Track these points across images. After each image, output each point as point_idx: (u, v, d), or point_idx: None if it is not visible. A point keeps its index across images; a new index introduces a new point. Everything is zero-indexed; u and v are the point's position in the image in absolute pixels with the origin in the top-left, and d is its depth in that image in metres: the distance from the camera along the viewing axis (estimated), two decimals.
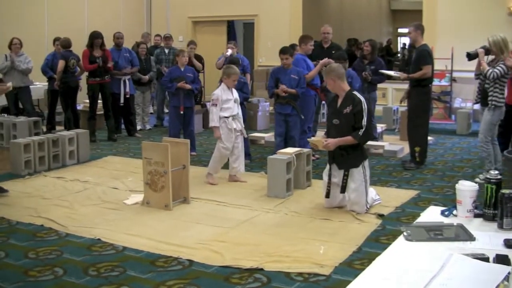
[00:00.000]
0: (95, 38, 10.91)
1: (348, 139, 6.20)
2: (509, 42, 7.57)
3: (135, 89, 12.00)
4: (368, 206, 6.30)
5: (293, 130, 8.58)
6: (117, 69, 11.39)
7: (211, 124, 7.79)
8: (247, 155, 8.95)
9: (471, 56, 7.79)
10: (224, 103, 7.78)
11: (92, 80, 11.05)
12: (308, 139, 6.74)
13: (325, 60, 8.78)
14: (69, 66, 11.03)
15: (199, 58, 12.78)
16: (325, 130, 6.71)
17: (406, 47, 20.25)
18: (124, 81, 11.48)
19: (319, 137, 6.49)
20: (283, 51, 8.56)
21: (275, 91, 8.55)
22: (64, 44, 11.20)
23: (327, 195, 6.47)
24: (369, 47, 10.35)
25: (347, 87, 6.39)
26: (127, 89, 11.53)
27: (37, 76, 12.31)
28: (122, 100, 11.48)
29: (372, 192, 6.63)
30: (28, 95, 11.37)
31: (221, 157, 7.86)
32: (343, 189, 6.31)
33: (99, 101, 11.32)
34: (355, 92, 6.35)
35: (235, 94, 7.99)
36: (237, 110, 7.93)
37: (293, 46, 9.31)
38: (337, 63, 7.25)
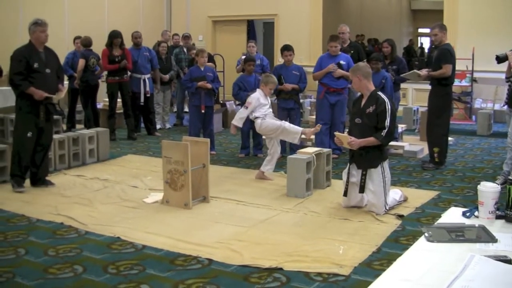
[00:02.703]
0: (114, 38, 10.96)
1: (371, 140, 6.17)
2: None
3: (155, 88, 12.04)
4: (387, 208, 6.25)
5: (294, 123, 9.02)
6: (137, 68, 11.43)
7: (233, 122, 8.03)
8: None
9: (500, 59, 7.68)
10: (259, 107, 7.93)
11: (111, 79, 11.10)
12: (335, 133, 6.79)
13: (331, 66, 9.15)
14: (89, 65, 11.09)
15: (211, 58, 12.84)
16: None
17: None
18: (144, 80, 11.52)
19: (345, 134, 6.48)
20: (287, 48, 9.36)
21: (278, 88, 9.04)
22: (84, 43, 11.27)
23: (345, 194, 6.47)
24: (389, 47, 10.30)
25: (372, 87, 6.36)
26: (147, 88, 11.57)
27: None
28: (142, 99, 11.52)
29: (397, 193, 6.60)
30: None
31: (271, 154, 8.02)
32: (362, 189, 6.30)
33: (118, 99, 11.37)
34: (380, 93, 6.32)
35: (269, 99, 8.21)
36: (270, 110, 8.08)
37: None
38: (364, 63, 7.20)
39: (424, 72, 8.55)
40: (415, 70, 8.66)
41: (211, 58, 12.80)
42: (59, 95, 8.11)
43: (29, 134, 7.27)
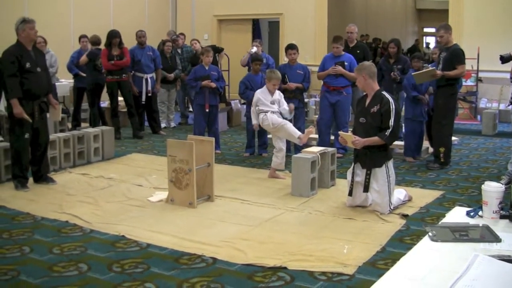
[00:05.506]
0: (112, 38, 10.97)
1: (375, 140, 6.17)
2: None
3: (161, 87, 12.05)
4: (391, 207, 6.25)
5: (299, 122, 9.19)
6: (140, 68, 11.47)
7: (254, 122, 8.19)
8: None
9: (504, 59, 7.66)
10: (260, 101, 8.02)
11: (110, 78, 11.11)
12: (340, 132, 6.80)
13: (331, 69, 9.22)
14: (97, 65, 11.12)
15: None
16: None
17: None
18: (146, 79, 11.53)
19: (350, 133, 6.49)
20: (291, 47, 9.37)
21: (282, 86, 8.99)
22: (93, 41, 11.36)
23: (350, 193, 6.47)
24: (395, 48, 10.29)
25: (376, 87, 6.35)
26: (149, 88, 11.57)
27: (63, 73, 12.41)
28: (143, 98, 11.53)
29: (402, 193, 6.59)
30: (53, 92, 11.43)
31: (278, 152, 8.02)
32: (366, 188, 6.30)
33: (120, 98, 11.40)
34: (384, 92, 6.31)
35: (277, 95, 8.19)
36: (276, 109, 8.06)
37: None
38: (370, 62, 7.18)
39: (439, 72, 8.40)
40: (433, 68, 8.55)
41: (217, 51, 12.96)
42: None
43: (26, 136, 7.27)
